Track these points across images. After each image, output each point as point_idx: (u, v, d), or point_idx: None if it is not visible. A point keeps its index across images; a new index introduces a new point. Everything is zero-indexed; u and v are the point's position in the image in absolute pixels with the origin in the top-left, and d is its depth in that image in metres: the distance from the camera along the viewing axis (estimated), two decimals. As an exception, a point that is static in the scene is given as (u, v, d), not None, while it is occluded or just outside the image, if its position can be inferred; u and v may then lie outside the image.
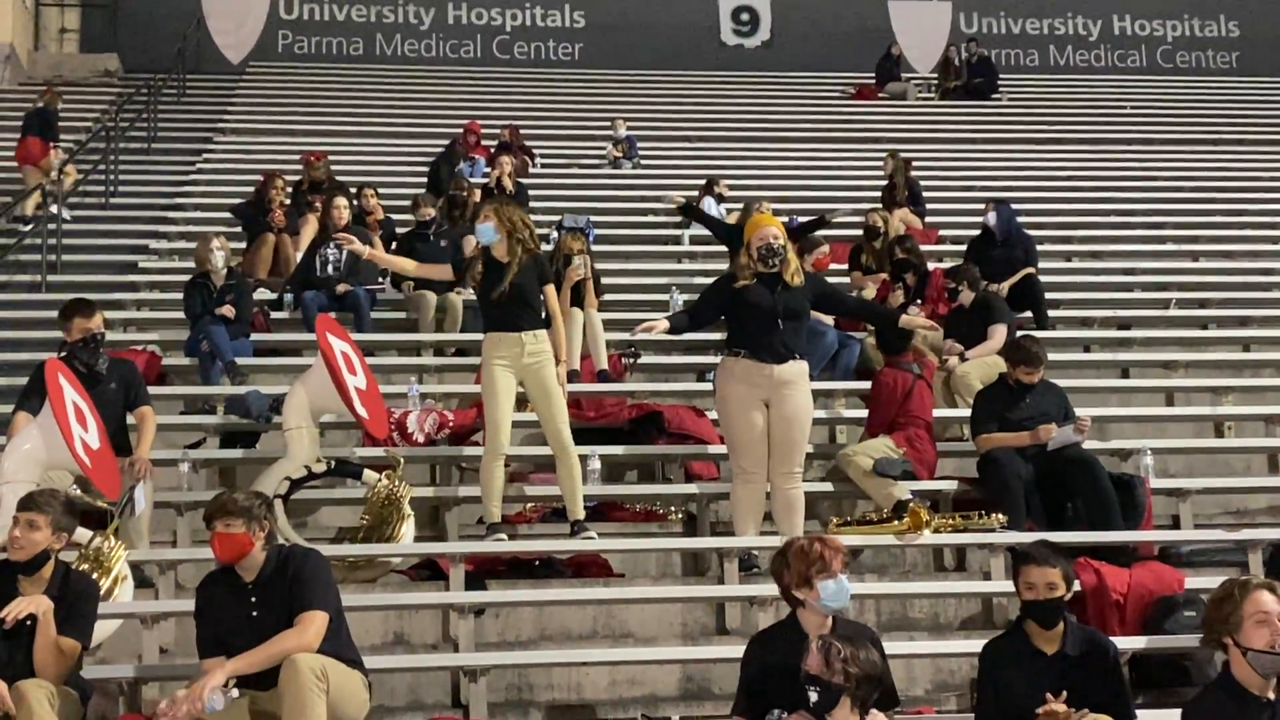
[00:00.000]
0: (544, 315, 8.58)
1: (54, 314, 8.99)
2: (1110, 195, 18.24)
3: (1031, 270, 12.31)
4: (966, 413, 9.97)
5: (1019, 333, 10.37)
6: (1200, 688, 6.02)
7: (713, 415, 9.77)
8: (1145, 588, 7.70)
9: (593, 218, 14.97)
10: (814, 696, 5.45)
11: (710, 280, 9.41)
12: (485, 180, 15.63)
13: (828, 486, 9.07)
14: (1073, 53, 28.17)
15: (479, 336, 8.82)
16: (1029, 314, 12.20)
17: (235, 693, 5.77)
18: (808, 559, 5.89)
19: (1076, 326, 13.22)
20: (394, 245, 13.08)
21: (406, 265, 9.39)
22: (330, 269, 11.90)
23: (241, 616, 5.94)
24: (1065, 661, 5.91)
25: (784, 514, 8.16)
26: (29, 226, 14.58)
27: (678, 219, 16.26)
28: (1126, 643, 7.33)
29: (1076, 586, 7.61)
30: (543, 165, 18.19)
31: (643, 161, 19.02)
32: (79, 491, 7.62)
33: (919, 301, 11.41)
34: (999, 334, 10.39)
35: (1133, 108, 24.06)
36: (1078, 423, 8.60)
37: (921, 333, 10.36)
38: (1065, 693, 5.70)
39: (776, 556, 6.05)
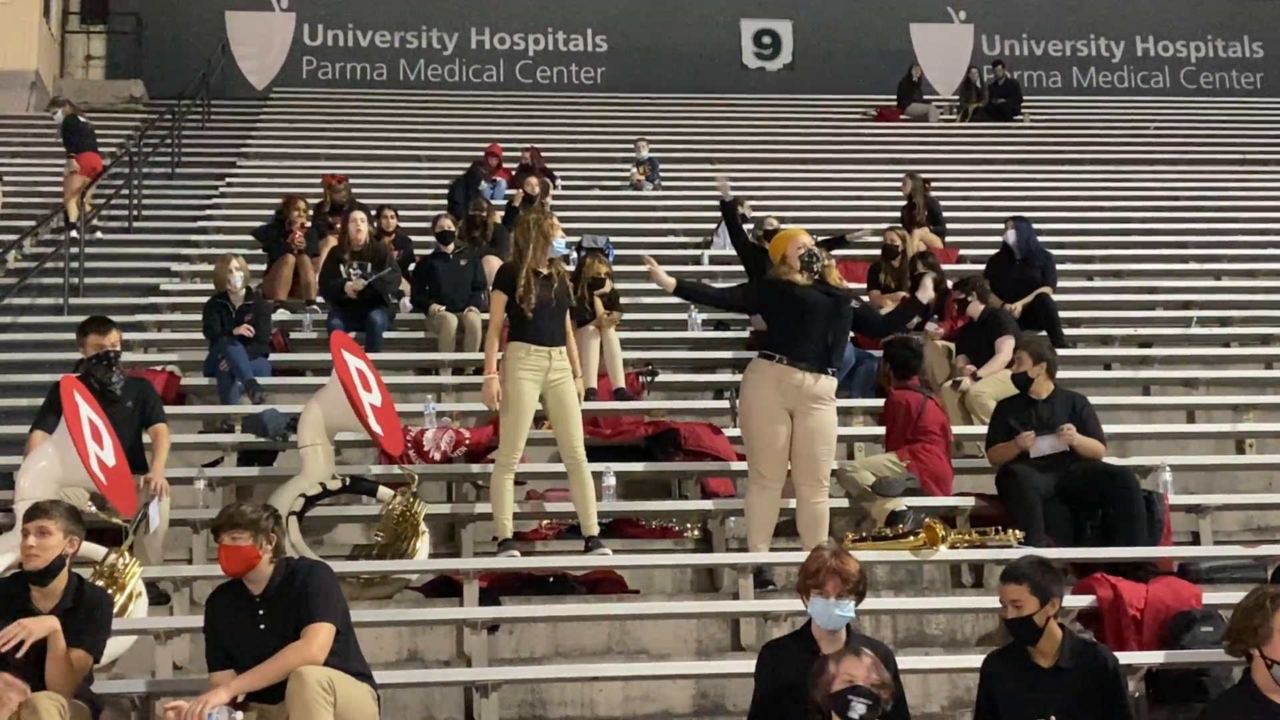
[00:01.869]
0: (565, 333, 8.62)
1: (74, 336, 9.06)
2: (1133, 215, 18.18)
3: (1046, 290, 12.27)
4: (981, 430, 9.98)
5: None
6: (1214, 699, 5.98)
7: (730, 433, 9.78)
8: (1163, 603, 7.64)
9: (613, 239, 15.01)
10: (861, 709, 5.36)
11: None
12: (508, 201, 15.67)
13: (843, 502, 9.03)
14: (1096, 74, 28.14)
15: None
16: (1044, 333, 12.14)
17: (240, 715, 5.77)
18: (809, 570, 5.91)
19: (1097, 345, 13.17)
20: (412, 266, 13.16)
21: (492, 347, 8.84)
22: (356, 279, 11.99)
23: (249, 629, 5.94)
24: (1062, 675, 5.90)
25: (811, 529, 8.12)
26: (52, 249, 14.68)
27: (698, 240, 16.29)
28: (1144, 658, 7.31)
29: (1086, 601, 7.65)
30: (564, 187, 18.23)
31: (664, 183, 19.05)
32: (95, 509, 7.66)
33: (936, 318, 11.39)
34: (1006, 347, 10.37)
35: (1156, 128, 23.99)
36: (1061, 431, 8.53)
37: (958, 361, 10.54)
38: (1059, 712, 5.68)
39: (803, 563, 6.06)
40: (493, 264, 12.84)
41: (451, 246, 12.62)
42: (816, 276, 8.14)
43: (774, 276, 8.37)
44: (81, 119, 17.84)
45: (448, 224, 12.79)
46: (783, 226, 12.27)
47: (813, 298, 8.09)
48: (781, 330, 8.17)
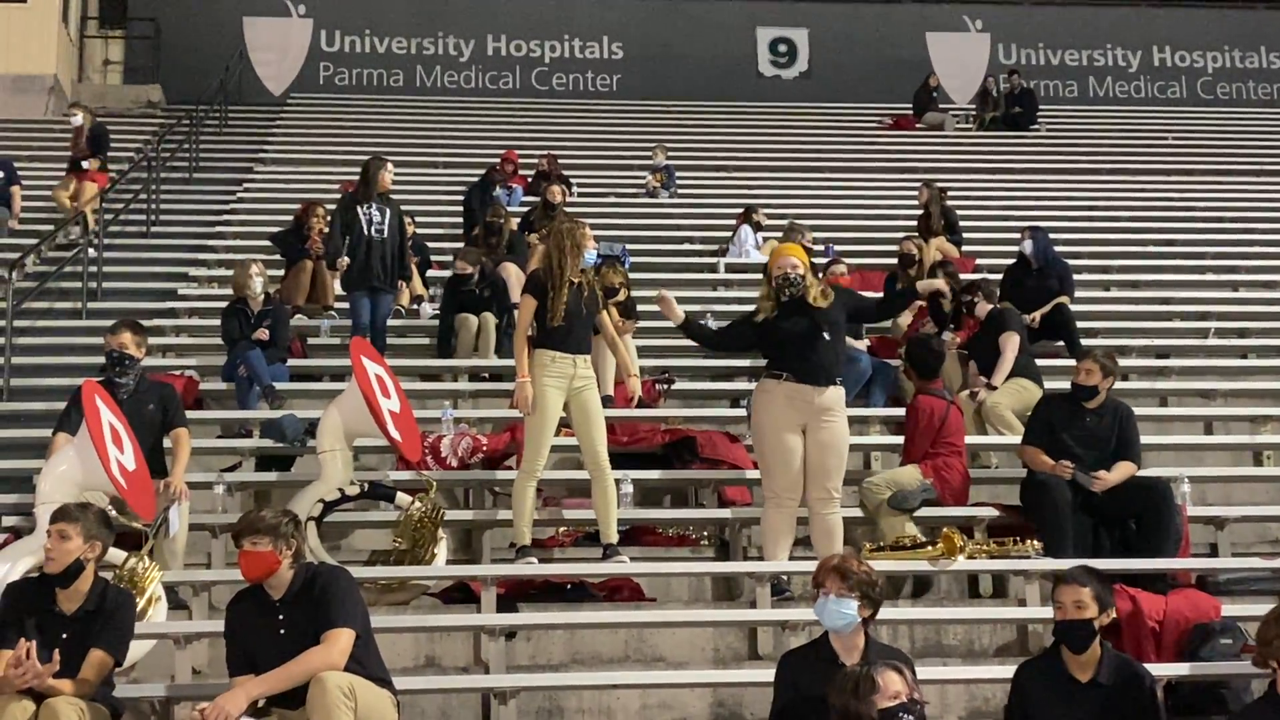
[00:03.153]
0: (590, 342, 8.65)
1: (94, 340, 9.09)
2: (1150, 225, 18.15)
3: (1064, 299, 12.25)
4: (997, 440, 9.99)
5: (1062, 376, 10.30)
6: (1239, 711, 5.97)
7: (747, 442, 9.79)
8: (1182, 615, 7.64)
9: (629, 246, 15.01)
10: None
11: (745, 309, 9.45)
12: (524, 209, 15.69)
13: (860, 513, 9.01)
14: (1112, 84, 28.11)
15: (512, 362, 8.83)
16: (1061, 343, 12.15)
17: None
18: (814, 575, 5.97)
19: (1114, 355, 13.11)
20: (428, 273, 13.18)
21: (522, 359, 8.74)
22: (373, 230, 11.83)
23: (269, 634, 5.95)
24: (1099, 690, 5.86)
25: (823, 540, 8.14)
26: (71, 254, 14.73)
27: (713, 248, 16.30)
28: (1162, 670, 7.28)
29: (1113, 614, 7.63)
30: (580, 195, 18.24)
31: (680, 191, 19.06)
32: (114, 513, 7.68)
33: (952, 327, 11.38)
34: (1011, 343, 10.37)
35: (1173, 139, 23.95)
36: (1093, 481, 8.49)
37: (971, 370, 10.56)
38: None
39: None
40: (509, 270, 12.89)
41: (474, 280, 12.42)
42: (793, 298, 8.14)
43: (749, 316, 8.50)
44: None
45: (464, 267, 12.57)
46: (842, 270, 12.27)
47: (794, 325, 8.16)
48: (779, 353, 8.24)
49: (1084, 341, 12.37)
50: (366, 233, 11.73)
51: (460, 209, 16.20)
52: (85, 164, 16.73)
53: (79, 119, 17.28)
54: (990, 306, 10.86)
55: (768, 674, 6.43)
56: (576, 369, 8.39)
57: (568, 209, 15.22)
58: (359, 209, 11.84)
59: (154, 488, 7.88)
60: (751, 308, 8.72)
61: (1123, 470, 8.54)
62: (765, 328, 8.28)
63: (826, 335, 8.13)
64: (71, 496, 7.41)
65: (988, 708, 7.53)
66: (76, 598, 6.16)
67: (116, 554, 7.21)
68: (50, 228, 15.56)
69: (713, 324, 12.84)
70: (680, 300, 13.94)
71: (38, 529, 7.43)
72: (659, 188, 18.80)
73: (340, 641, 5.86)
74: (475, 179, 16.71)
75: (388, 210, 11.93)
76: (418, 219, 14.21)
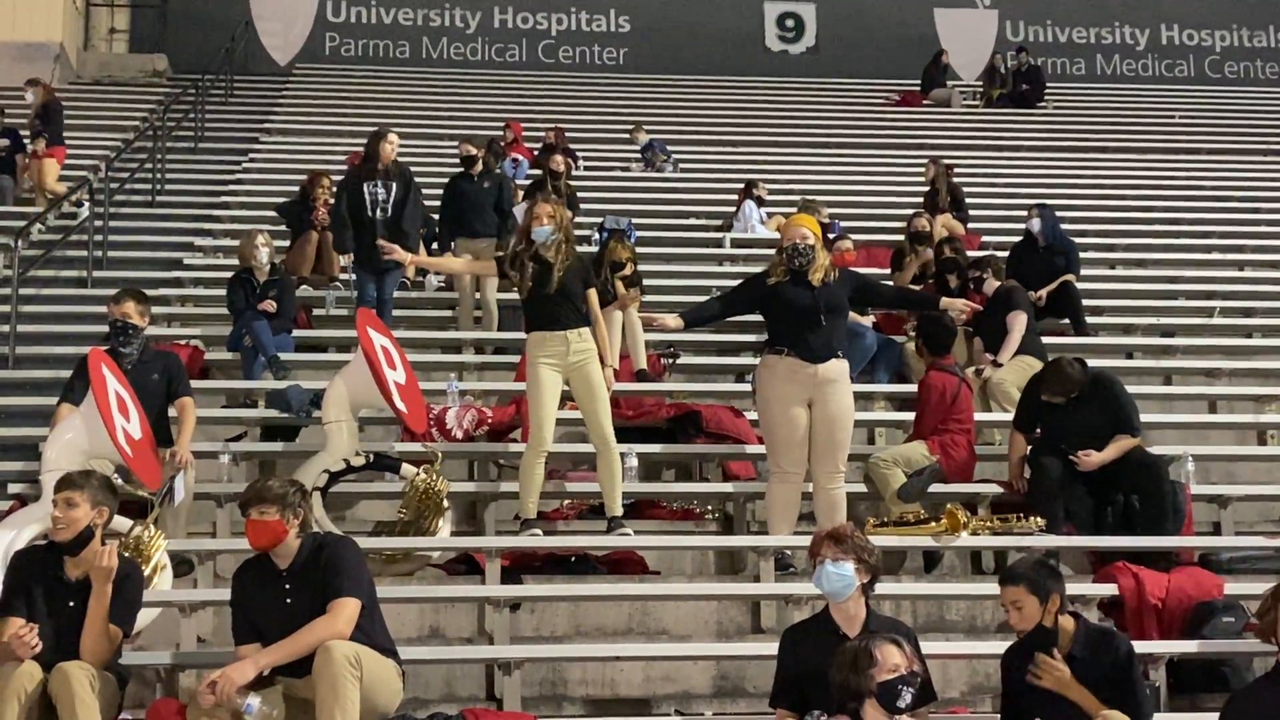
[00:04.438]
0: (585, 314, 8.60)
1: (99, 309, 9.11)
2: (1156, 204, 18.14)
3: (1070, 277, 12.23)
4: (1003, 417, 9.99)
5: (1067, 352, 10.29)
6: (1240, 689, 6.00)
7: (751, 416, 9.80)
8: (1185, 593, 7.66)
9: (635, 220, 15.01)
10: (908, 699, 5.40)
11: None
12: (529, 180, 15.67)
13: (864, 488, 9.03)
14: (1120, 62, 28.02)
15: (518, 335, 8.84)
16: (1066, 320, 12.15)
17: (268, 708, 5.78)
18: (812, 546, 6.00)
19: (1119, 334, 13.15)
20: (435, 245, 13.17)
21: (455, 265, 9.28)
22: (377, 211, 11.73)
23: (276, 603, 5.97)
24: (1074, 663, 5.93)
25: (827, 514, 8.14)
26: (76, 222, 14.72)
27: (718, 222, 16.29)
28: (1165, 647, 7.33)
29: (1111, 590, 7.66)
30: (586, 168, 18.22)
31: (686, 166, 19.04)
32: (120, 481, 7.69)
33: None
34: (1019, 322, 10.38)
35: (1180, 117, 23.90)
36: (1082, 458, 8.51)
37: (976, 346, 10.59)
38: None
39: None
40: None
41: (478, 168, 12.54)
42: (800, 269, 8.12)
43: (758, 276, 8.46)
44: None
45: (469, 149, 12.75)
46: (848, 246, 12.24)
47: (797, 297, 8.13)
48: (780, 327, 8.22)
49: (1089, 320, 12.39)
50: (371, 214, 11.54)
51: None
52: (29, 144, 16.51)
53: (30, 96, 17.21)
54: (997, 284, 10.86)
55: (770, 648, 6.47)
56: (570, 344, 8.34)
57: (572, 182, 15.23)
58: (364, 187, 11.66)
59: (159, 456, 7.89)
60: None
61: (1117, 446, 8.52)
62: (770, 294, 8.23)
63: (823, 318, 8.09)
64: (77, 464, 7.42)
65: (989, 683, 7.54)
66: (84, 565, 6.17)
67: (123, 522, 7.23)
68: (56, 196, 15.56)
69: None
70: (685, 274, 14.11)
71: (43, 497, 7.45)
72: (645, 166, 18.75)
73: (346, 611, 5.87)
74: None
75: (394, 185, 11.70)
76: (424, 191, 14.16)
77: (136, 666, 6.71)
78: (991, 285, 10.84)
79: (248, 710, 5.69)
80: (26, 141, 16.71)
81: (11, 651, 5.89)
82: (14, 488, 8.78)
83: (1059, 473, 8.49)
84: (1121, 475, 8.51)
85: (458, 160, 13.12)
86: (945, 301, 8.97)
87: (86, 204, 14.36)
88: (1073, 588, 7.77)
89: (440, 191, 13.20)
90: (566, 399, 8.72)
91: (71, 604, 6.05)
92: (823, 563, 5.94)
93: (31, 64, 21.30)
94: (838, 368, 8.17)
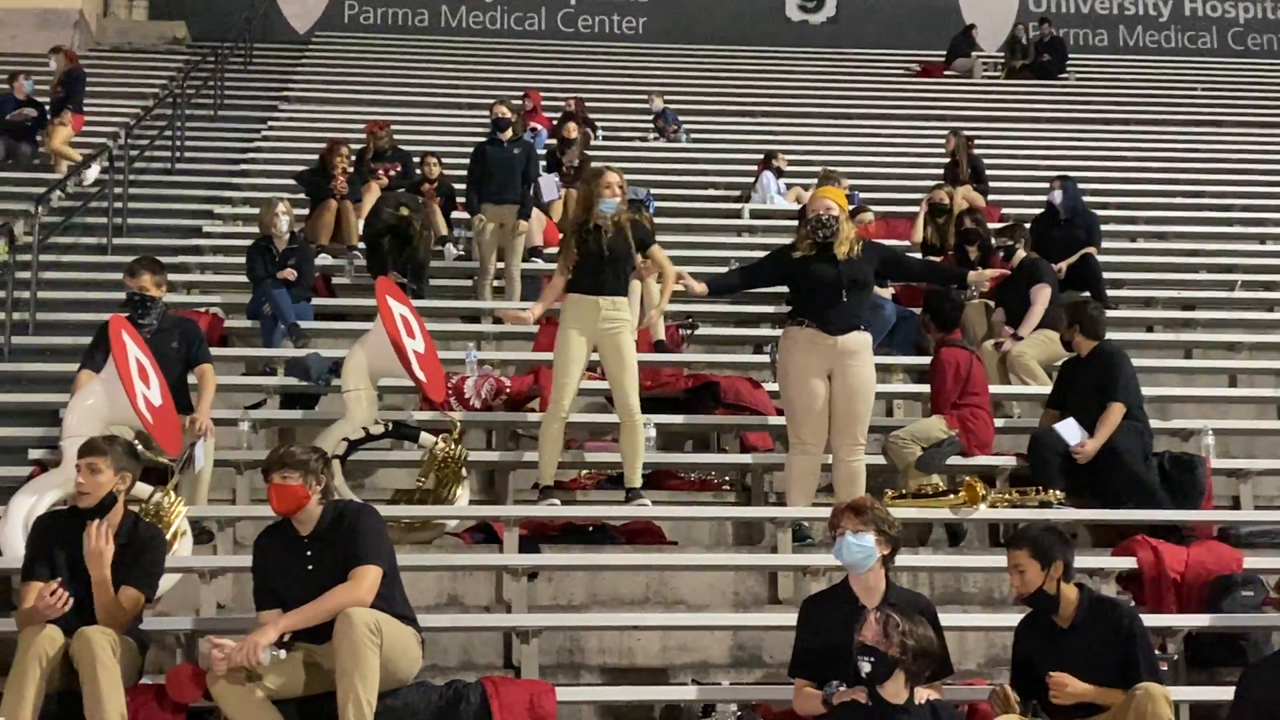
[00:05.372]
0: (626, 283, 8.58)
1: (119, 276, 9.12)
2: (1178, 177, 18.04)
3: (1090, 250, 12.17)
4: (1022, 390, 9.98)
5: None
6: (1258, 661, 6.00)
7: (769, 387, 9.80)
8: (1203, 566, 7.65)
9: (653, 190, 14.97)
10: (866, 667, 5.48)
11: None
12: (546, 150, 15.64)
13: (882, 460, 9.02)
14: (1142, 33, 27.83)
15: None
16: (1087, 294, 12.07)
17: (282, 653, 5.84)
18: (832, 518, 6.02)
19: (1139, 307, 13.11)
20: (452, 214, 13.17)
21: (548, 298, 8.82)
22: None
23: (297, 569, 6.00)
24: (1079, 634, 5.98)
25: (846, 486, 8.13)
26: (95, 189, 14.74)
27: (736, 193, 16.25)
28: (1183, 621, 7.33)
29: (1130, 563, 7.65)
30: (604, 138, 18.18)
31: (705, 136, 18.99)
32: (141, 448, 7.72)
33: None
34: (1042, 296, 10.33)
35: (1203, 89, 23.74)
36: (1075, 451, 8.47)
37: (996, 318, 10.54)
38: (1076, 670, 5.85)
39: None
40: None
41: (508, 134, 12.56)
42: (826, 241, 8.09)
43: (784, 248, 8.43)
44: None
45: (503, 111, 12.71)
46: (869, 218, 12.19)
47: (821, 270, 8.09)
48: (804, 299, 8.19)
49: (1109, 293, 12.33)
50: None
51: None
52: (54, 114, 16.54)
53: (54, 64, 17.21)
54: (1024, 254, 10.78)
55: (787, 618, 6.48)
56: (602, 311, 8.32)
57: (590, 153, 15.20)
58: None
59: (179, 423, 7.92)
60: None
61: (1108, 423, 8.43)
62: (795, 267, 8.20)
63: (845, 293, 8.06)
64: (98, 431, 7.44)
65: (1006, 655, 7.49)
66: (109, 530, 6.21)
67: (143, 488, 7.26)
68: (76, 161, 15.57)
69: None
70: (704, 245, 14.09)
71: (64, 463, 7.48)
72: (658, 135, 18.72)
73: (367, 578, 5.90)
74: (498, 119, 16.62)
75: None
76: (443, 160, 14.16)
77: (157, 632, 6.77)
78: (1019, 255, 10.76)
79: (265, 663, 5.74)
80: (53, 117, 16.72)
81: (35, 615, 5.94)
82: (34, 453, 8.80)
83: (1055, 444, 8.46)
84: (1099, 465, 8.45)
85: (489, 123, 13.04)
86: (973, 275, 8.93)
87: (95, 165, 14.36)
88: (1091, 560, 7.80)
89: (464, 161, 13.17)
90: (591, 366, 8.70)
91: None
92: (843, 534, 5.96)
93: (51, 31, 21.32)
94: (859, 340, 8.15)
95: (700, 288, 8.37)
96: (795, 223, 12.33)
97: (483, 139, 16.10)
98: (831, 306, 8.06)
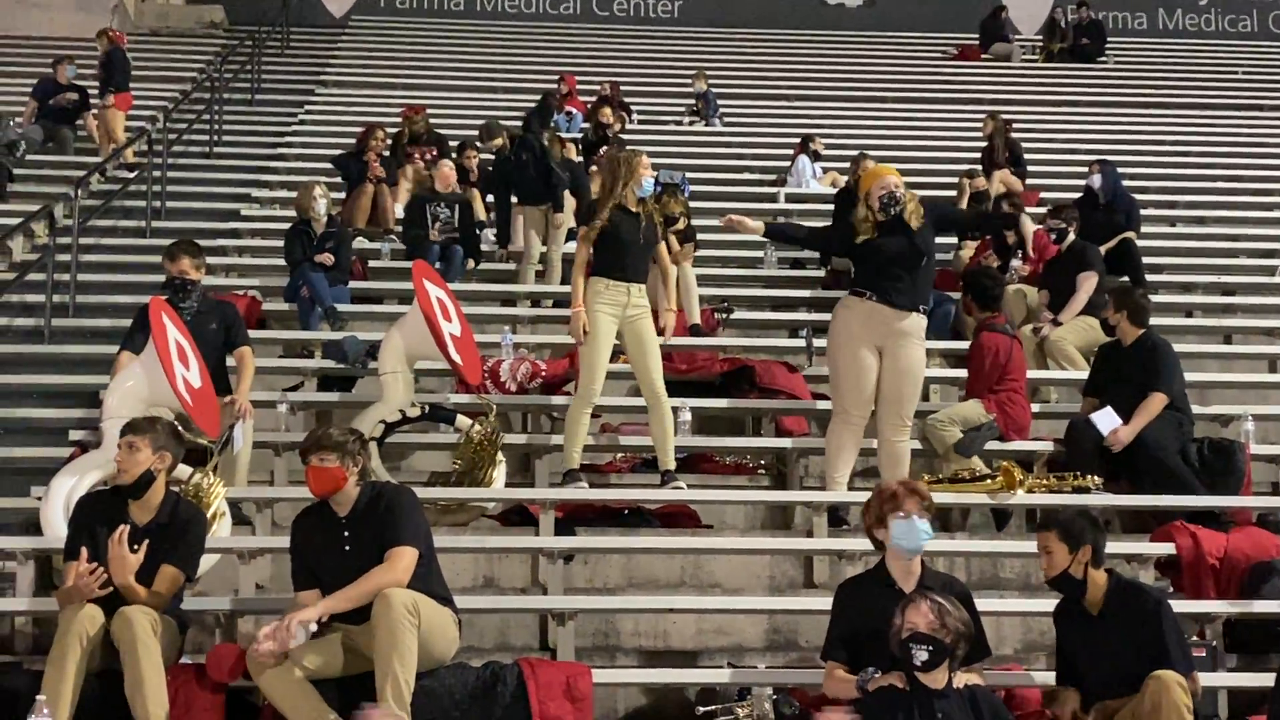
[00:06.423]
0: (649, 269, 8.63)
1: (157, 259, 9.18)
2: (1217, 161, 17.91)
3: (1130, 235, 12.09)
4: (1060, 375, 9.94)
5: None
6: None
7: (805, 372, 9.80)
8: (1242, 553, 7.61)
9: (688, 174, 14.95)
10: (924, 656, 5.46)
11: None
12: (581, 134, 15.64)
13: (918, 444, 8.99)
14: (1182, 16, 27.60)
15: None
16: (1126, 278, 12.01)
17: (314, 627, 5.87)
18: (883, 497, 6.03)
19: (1178, 291, 13.01)
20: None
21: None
22: (440, 230, 11.92)
23: (334, 550, 6.03)
24: (1108, 619, 5.99)
25: (890, 467, 8.14)
26: (134, 173, 14.83)
27: (771, 177, 16.21)
28: (1222, 607, 7.29)
29: (1168, 549, 7.61)
30: (639, 121, 18.16)
31: (741, 120, 18.95)
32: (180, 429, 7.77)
33: (1021, 255, 11.26)
34: (1088, 283, 10.22)
35: (1242, 73, 23.54)
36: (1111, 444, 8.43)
37: (1035, 299, 10.54)
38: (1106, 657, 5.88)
39: (867, 501, 6.13)
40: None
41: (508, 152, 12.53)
42: (895, 215, 8.08)
43: (854, 220, 8.34)
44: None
45: (499, 144, 12.71)
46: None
47: (891, 242, 8.07)
48: (868, 271, 8.17)
49: (1149, 278, 12.25)
50: (433, 234, 11.89)
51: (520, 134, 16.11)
52: (99, 96, 16.59)
53: (100, 48, 17.30)
54: (1074, 237, 10.69)
55: (822, 602, 6.48)
56: (630, 297, 8.33)
57: (624, 137, 15.19)
58: (427, 207, 11.99)
59: (218, 405, 7.97)
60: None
61: (1146, 412, 8.38)
62: (865, 248, 8.18)
63: (925, 259, 8.10)
64: (138, 412, 7.48)
65: (1043, 641, 7.53)
66: (148, 510, 6.26)
67: (182, 469, 7.30)
68: (116, 146, 15.68)
69: (774, 256, 12.87)
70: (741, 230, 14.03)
71: (104, 444, 7.54)
72: (695, 118, 18.67)
73: (405, 559, 5.92)
74: (534, 104, 16.66)
75: (456, 205, 12.05)
76: (478, 145, 14.16)
77: (196, 612, 6.82)
78: (1070, 240, 10.66)
79: (300, 640, 5.79)
80: (94, 99, 16.79)
81: (76, 593, 5.99)
82: (75, 435, 8.88)
83: (1091, 431, 8.42)
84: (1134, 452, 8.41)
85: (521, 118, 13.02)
86: (1024, 220, 8.92)
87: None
88: (1130, 546, 7.77)
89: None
90: (618, 352, 8.72)
91: (134, 548, 6.12)
92: (908, 517, 5.94)
93: (89, 15, 21.44)
94: (917, 322, 8.14)
95: (756, 225, 8.41)
96: (831, 207, 12.38)
97: (517, 122, 16.20)
98: (902, 279, 8.05)
